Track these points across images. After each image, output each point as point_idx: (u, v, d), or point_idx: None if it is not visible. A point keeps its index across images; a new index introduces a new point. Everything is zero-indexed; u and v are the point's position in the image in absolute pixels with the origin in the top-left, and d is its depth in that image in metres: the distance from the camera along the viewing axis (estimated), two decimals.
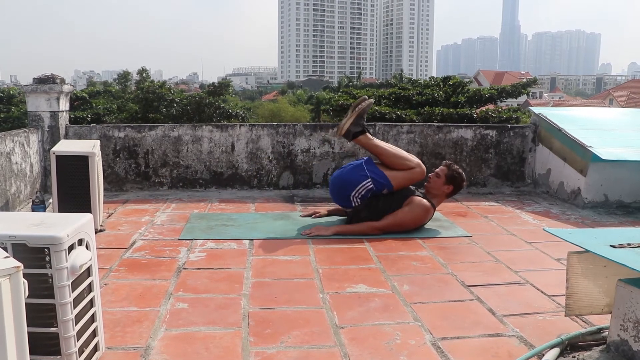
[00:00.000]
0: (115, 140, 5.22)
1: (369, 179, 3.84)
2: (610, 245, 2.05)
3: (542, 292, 2.77)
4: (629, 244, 2.07)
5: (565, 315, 2.27)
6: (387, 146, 4.02)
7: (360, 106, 3.94)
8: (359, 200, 3.87)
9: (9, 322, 1.20)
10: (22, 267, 1.25)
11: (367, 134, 4.00)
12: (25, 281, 1.28)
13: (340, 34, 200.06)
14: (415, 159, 3.97)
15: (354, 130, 3.96)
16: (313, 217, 4.23)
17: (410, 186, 4.01)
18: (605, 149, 4.66)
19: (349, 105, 15.11)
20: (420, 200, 3.86)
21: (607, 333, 2.09)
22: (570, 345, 2.16)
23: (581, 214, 4.54)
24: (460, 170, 4.04)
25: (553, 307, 2.58)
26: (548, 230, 2.40)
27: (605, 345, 2.08)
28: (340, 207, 4.13)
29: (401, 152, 4.01)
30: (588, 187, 4.78)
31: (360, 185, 3.84)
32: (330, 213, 4.26)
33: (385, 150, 3.97)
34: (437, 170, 4.04)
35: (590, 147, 4.69)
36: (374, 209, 3.86)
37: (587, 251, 2.09)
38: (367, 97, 4.06)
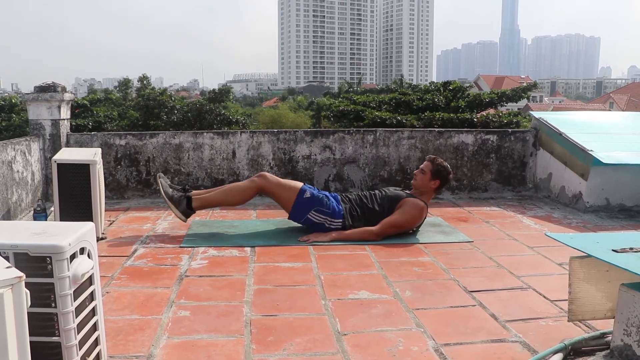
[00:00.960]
0: (117, 147, 5.23)
1: (304, 218, 3.92)
2: (613, 250, 2.05)
3: (544, 297, 2.77)
4: (631, 249, 2.06)
5: (568, 321, 2.27)
6: (216, 192, 4.02)
7: (162, 192, 3.93)
8: (332, 223, 3.89)
9: (11, 332, 1.20)
10: (24, 277, 1.24)
11: (194, 197, 3.95)
12: (28, 291, 1.28)
13: (340, 39, 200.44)
14: (247, 180, 4.05)
15: (185, 208, 3.92)
16: None
17: (397, 188, 4.04)
18: (606, 153, 4.65)
19: (350, 111, 15.08)
20: (413, 200, 3.87)
21: (610, 338, 2.09)
22: (573, 351, 2.15)
23: (583, 218, 4.54)
24: (445, 163, 4.03)
25: (556, 312, 2.58)
26: (550, 235, 2.39)
27: (608, 350, 2.07)
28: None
29: (232, 187, 4.04)
30: (589, 191, 4.78)
31: (315, 220, 3.89)
32: None
33: (217, 197, 3.99)
34: (422, 166, 4.03)
35: (591, 151, 4.69)
36: (369, 216, 3.87)
37: (589, 256, 2.08)
38: (158, 177, 3.99)
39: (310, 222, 3.88)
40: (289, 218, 4.02)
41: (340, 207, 3.92)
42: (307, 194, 3.90)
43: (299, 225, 4.08)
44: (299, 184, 4.00)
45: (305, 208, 3.88)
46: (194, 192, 4.03)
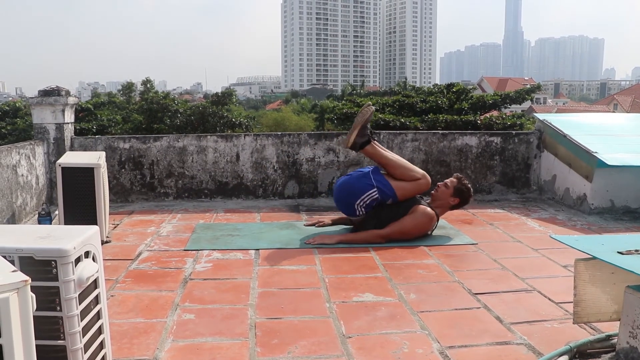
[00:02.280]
0: (121, 151, 5.24)
1: (375, 189, 3.84)
2: (618, 252, 2.04)
3: (549, 299, 2.76)
4: (636, 250, 2.06)
5: (573, 323, 2.26)
6: (393, 157, 4.02)
7: (362, 116, 3.94)
8: (363, 209, 3.86)
9: (17, 336, 1.20)
10: (30, 281, 1.25)
11: (373, 143, 3.99)
12: (33, 295, 1.28)
13: (343, 42, 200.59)
14: (421, 171, 3.97)
15: (360, 142, 3.96)
16: (317, 227, 4.23)
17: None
18: (610, 155, 4.64)
19: (353, 114, 15.19)
20: (424, 208, 3.86)
21: (615, 340, 2.08)
22: (578, 353, 2.14)
23: (587, 220, 4.53)
24: (469, 185, 4.05)
25: (561, 314, 2.57)
26: (555, 237, 2.39)
27: (614, 353, 2.06)
28: (344, 215, 4.13)
29: (407, 164, 4.01)
30: (594, 193, 4.77)
31: (365, 194, 3.84)
32: (334, 222, 4.26)
33: (391, 160, 3.96)
34: (447, 180, 4.05)
35: (596, 152, 4.68)
36: (380, 218, 3.86)
37: (594, 258, 2.08)
38: (369, 104, 4.06)
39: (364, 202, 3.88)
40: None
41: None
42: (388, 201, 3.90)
43: (303, 228, 4.14)
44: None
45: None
46: (376, 143, 4.04)
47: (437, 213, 3.93)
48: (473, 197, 4.16)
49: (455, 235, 4.00)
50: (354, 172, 4.09)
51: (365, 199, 3.85)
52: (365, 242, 3.76)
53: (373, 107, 4.06)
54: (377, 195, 3.83)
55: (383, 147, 4.11)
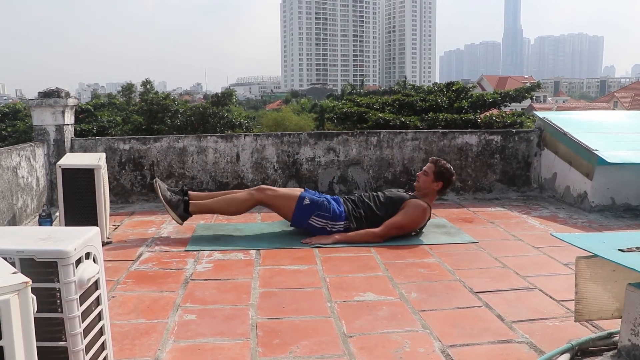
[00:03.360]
0: (121, 152, 5.24)
1: (306, 224, 3.93)
2: (619, 250, 2.04)
3: (551, 297, 2.76)
4: (637, 248, 2.05)
5: (574, 321, 2.26)
6: (215, 200, 4.02)
7: (159, 194, 3.95)
8: (334, 227, 3.89)
9: (18, 338, 1.20)
10: (31, 282, 1.25)
11: (192, 202, 3.98)
12: (34, 296, 1.28)
13: (343, 42, 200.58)
14: (246, 191, 4.05)
15: (181, 213, 3.96)
16: None
17: (399, 190, 4.03)
18: (611, 152, 4.64)
19: (353, 113, 15.08)
20: (416, 201, 3.87)
21: (617, 338, 2.08)
22: (580, 351, 2.14)
23: (588, 218, 4.53)
24: (448, 165, 4.02)
25: (562, 312, 2.57)
26: (556, 235, 2.39)
27: (616, 350, 2.06)
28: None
29: (232, 197, 4.03)
30: (594, 191, 4.77)
31: (315, 225, 3.91)
32: None
33: (217, 205, 4.00)
34: (425, 167, 4.03)
35: (596, 150, 4.68)
36: (372, 218, 3.87)
37: (595, 256, 2.07)
38: (154, 181, 4.01)
39: (312, 227, 3.89)
40: (290, 225, 4.03)
41: (342, 208, 3.92)
42: (307, 201, 3.90)
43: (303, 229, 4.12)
44: (298, 192, 4.00)
45: (306, 214, 3.89)
46: (193, 194, 4.06)
47: (427, 203, 3.93)
48: (455, 175, 4.13)
49: (456, 234, 4.00)
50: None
51: (320, 225, 3.91)
52: (362, 241, 3.76)
53: (155, 180, 4.01)
54: (308, 223, 3.91)
55: (205, 195, 4.12)
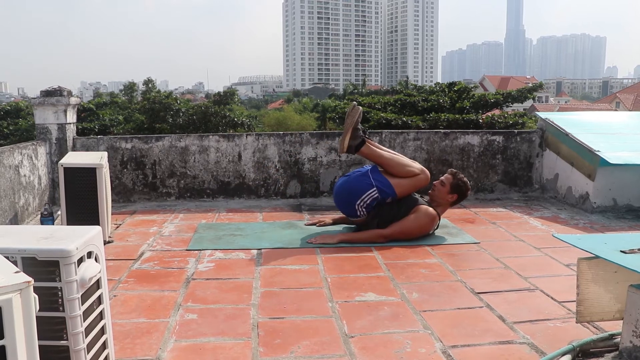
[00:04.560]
0: (123, 151, 5.24)
1: (374, 188, 3.84)
2: (621, 251, 2.04)
3: (552, 298, 2.76)
4: (639, 249, 2.05)
5: (576, 322, 2.26)
6: (389, 155, 4.00)
7: (351, 118, 3.93)
8: (364, 209, 3.86)
9: (20, 337, 1.20)
10: (33, 282, 1.25)
11: (368, 143, 3.97)
12: (36, 296, 1.28)
13: (345, 41, 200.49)
14: (419, 165, 3.97)
15: (354, 144, 3.94)
16: (317, 226, 4.22)
17: (415, 194, 4.01)
18: (613, 153, 4.63)
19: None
20: (426, 208, 3.85)
21: (619, 339, 2.08)
22: (581, 352, 2.14)
23: (590, 219, 4.52)
24: (465, 179, 4.03)
25: (563, 313, 2.57)
26: (557, 237, 2.39)
27: (617, 352, 2.06)
28: (344, 215, 4.12)
29: (404, 160, 4.00)
30: (596, 192, 4.76)
31: (365, 194, 3.84)
32: (335, 222, 4.26)
33: (388, 160, 3.95)
34: (442, 178, 4.02)
35: (598, 151, 4.68)
36: (381, 218, 3.86)
37: (597, 257, 2.07)
38: (355, 104, 4.02)
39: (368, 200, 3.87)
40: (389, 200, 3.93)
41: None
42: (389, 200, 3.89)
43: (305, 227, 4.17)
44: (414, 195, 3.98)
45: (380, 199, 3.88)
46: (371, 141, 4.04)
47: (438, 212, 3.93)
48: (471, 190, 4.14)
49: (458, 235, 4.00)
50: (352, 172, 4.08)
51: (366, 199, 3.84)
52: (366, 241, 3.76)
53: (360, 107, 4.03)
54: (377, 195, 3.83)
55: (378, 146, 4.10)
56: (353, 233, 3.86)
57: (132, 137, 5.34)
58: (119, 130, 21.03)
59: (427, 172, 3.95)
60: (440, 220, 3.98)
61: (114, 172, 5.15)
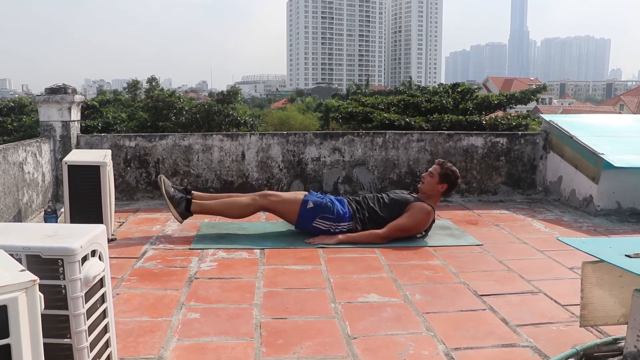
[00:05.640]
0: (126, 149, 5.24)
1: (311, 226, 3.92)
2: (626, 255, 2.03)
3: (555, 301, 2.75)
4: None
5: (580, 326, 2.25)
6: (217, 202, 4.02)
7: (161, 190, 3.94)
8: (338, 228, 3.89)
9: (25, 335, 1.20)
10: (38, 280, 1.25)
11: (195, 200, 3.99)
12: (42, 294, 1.28)
13: (348, 41, 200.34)
14: (248, 197, 4.04)
15: (182, 211, 3.95)
16: None
17: (404, 192, 4.03)
18: (617, 156, 4.63)
19: (358, 113, 15.08)
20: (421, 204, 3.87)
21: (623, 344, 2.07)
22: (585, 356, 2.14)
23: (593, 222, 4.51)
24: (453, 167, 4.02)
25: (567, 316, 2.56)
26: (562, 240, 2.38)
27: (621, 356, 2.05)
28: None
29: (234, 198, 4.05)
30: (600, 195, 4.75)
31: (320, 227, 3.90)
32: None
33: (221, 209, 4.00)
34: (430, 169, 4.03)
35: (602, 154, 4.67)
36: (376, 219, 3.87)
37: (602, 261, 2.07)
38: (159, 178, 3.99)
39: (317, 229, 3.89)
40: (295, 228, 4.03)
41: (347, 209, 3.92)
42: (310, 204, 3.90)
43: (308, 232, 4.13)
44: (301, 195, 4.00)
45: (310, 218, 3.89)
46: (196, 194, 4.06)
47: (431, 205, 3.93)
48: (460, 178, 4.13)
49: (461, 236, 3.99)
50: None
51: (324, 228, 3.91)
52: (365, 242, 3.76)
53: (161, 176, 4.00)
54: (313, 225, 3.91)
55: (207, 196, 4.13)
56: (352, 234, 3.85)
57: (135, 136, 5.35)
58: (122, 128, 21.04)
59: (256, 195, 4.00)
60: (435, 213, 3.98)
61: (118, 170, 5.15)
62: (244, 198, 4.03)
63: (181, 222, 4.03)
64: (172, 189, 3.98)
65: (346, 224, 3.88)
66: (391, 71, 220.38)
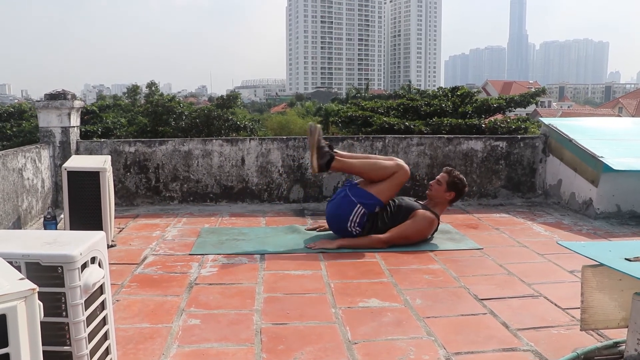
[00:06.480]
0: (126, 155, 5.25)
1: (358, 205, 3.85)
2: (626, 259, 2.03)
3: (556, 305, 2.75)
4: None
5: (580, 330, 2.25)
6: (361, 162, 3.99)
7: (312, 138, 3.92)
8: (357, 226, 3.86)
9: (24, 345, 1.20)
10: (38, 289, 1.24)
11: (337, 157, 3.96)
12: (41, 303, 1.28)
13: (348, 45, 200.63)
14: (393, 162, 3.95)
15: (323, 162, 3.93)
16: (317, 231, 4.21)
17: (411, 199, 4.02)
18: (616, 159, 4.63)
19: (358, 117, 15.12)
20: (424, 212, 3.86)
21: (623, 347, 2.07)
22: None
23: (593, 225, 4.51)
24: (461, 176, 4.04)
25: (567, 320, 2.56)
26: (562, 244, 2.38)
27: None
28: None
29: (377, 161, 4.00)
30: (600, 198, 4.75)
31: (352, 215, 3.85)
32: None
33: (360, 168, 3.97)
34: (438, 177, 4.03)
35: (602, 157, 4.67)
36: (381, 226, 3.85)
37: (602, 265, 2.07)
38: (311, 124, 4.00)
39: (354, 218, 3.86)
40: (352, 196, 3.91)
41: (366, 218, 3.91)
42: (377, 208, 3.88)
43: (308, 233, 4.16)
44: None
45: (371, 207, 3.86)
46: (339, 152, 4.03)
47: (437, 215, 3.93)
48: (467, 186, 4.14)
49: (461, 240, 3.99)
50: (335, 194, 4.09)
51: (354, 219, 3.85)
52: (366, 247, 3.75)
53: (318, 126, 4.00)
54: (363, 210, 3.85)
55: (349, 155, 4.12)
56: (353, 238, 3.85)
57: (135, 141, 5.35)
58: (122, 133, 21.05)
59: (404, 165, 3.93)
60: (439, 223, 3.98)
61: (117, 176, 5.15)
62: (388, 163, 3.97)
63: (316, 172, 3.97)
64: (322, 140, 3.96)
65: (360, 229, 3.89)
66: (390, 75, 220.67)
